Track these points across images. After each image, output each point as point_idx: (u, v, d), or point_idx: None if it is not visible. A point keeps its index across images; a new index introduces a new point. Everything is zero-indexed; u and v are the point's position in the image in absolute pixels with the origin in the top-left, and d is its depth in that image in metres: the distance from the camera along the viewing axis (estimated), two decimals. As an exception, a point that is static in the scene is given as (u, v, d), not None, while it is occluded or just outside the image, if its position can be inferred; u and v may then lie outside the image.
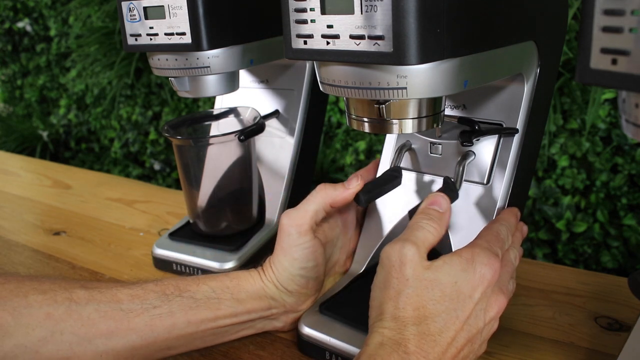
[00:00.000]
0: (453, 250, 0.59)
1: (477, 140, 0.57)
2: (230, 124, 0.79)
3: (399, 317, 0.44)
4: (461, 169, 0.56)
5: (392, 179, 0.59)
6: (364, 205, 0.58)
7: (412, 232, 0.47)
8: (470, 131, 0.55)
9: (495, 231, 0.51)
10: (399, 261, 0.45)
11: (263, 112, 0.77)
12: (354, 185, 0.57)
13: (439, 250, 0.62)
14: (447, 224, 0.50)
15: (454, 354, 0.45)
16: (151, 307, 0.53)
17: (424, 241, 0.47)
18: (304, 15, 0.44)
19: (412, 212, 0.52)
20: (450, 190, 0.54)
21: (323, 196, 0.58)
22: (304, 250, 0.57)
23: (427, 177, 0.61)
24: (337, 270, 0.67)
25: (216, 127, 0.80)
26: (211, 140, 0.75)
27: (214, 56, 0.62)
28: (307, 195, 0.60)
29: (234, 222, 0.78)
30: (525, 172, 0.58)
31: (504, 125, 0.56)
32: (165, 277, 0.57)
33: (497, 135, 0.57)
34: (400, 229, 0.62)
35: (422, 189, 0.62)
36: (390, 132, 0.48)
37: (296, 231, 0.57)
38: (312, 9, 0.43)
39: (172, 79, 0.66)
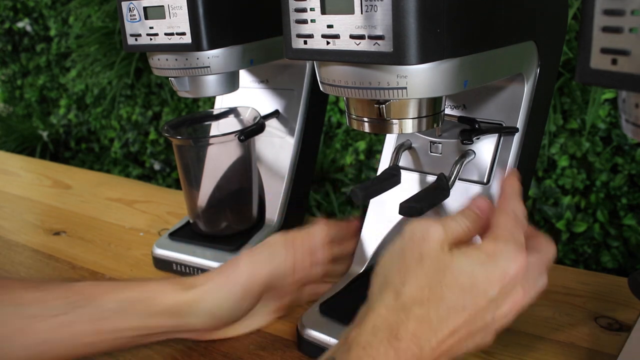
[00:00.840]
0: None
1: (477, 138, 0.57)
2: (230, 124, 0.79)
3: (401, 293, 0.41)
4: (457, 167, 0.56)
5: (390, 177, 0.59)
6: (360, 203, 0.58)
7: (445, 219, 0.45)
8: (470, 130, 0.55)
9: (513, 213, 0.46)
10: (421, 237, 0.43)
11: (263, 112, 0.77)
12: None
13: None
14: (482, 229, 0.47)
15: (451, 345, 0.41)
16: (55, 314, 0.51)
17: (452, 231, 0.44)
18: (304, 15, 0.44)
19: (402, 206, 0.51)
20: (442, 188, 0.53)
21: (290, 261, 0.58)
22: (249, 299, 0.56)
23: (427, 177, 0.61)
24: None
25: (216, 127, 0.80)
26: (211, 140, 0.75)
27: (214, 56, 0.62)
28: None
29: (234, 222, 0.78)
30: (525, 172, 0.58)
31: (504, 126, 0.56)
32: (78, 281, 0.56)
33: (497, 135, 0.57)
34: (400, 229, 0.62)
35: (422, 188, 0.62)
36: (390, 132, 0.48)
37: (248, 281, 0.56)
38: (312, 9, 0.43)
39: (172, 79, 0.66)
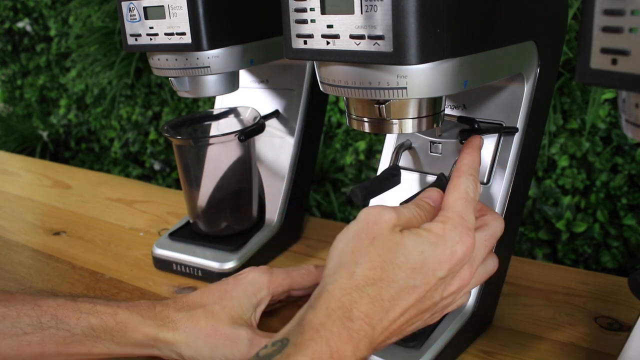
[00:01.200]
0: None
1: None
2: (230, 124, 0.79)
3: (354, 273, 0.41)
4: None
5: (390, 177, 0.59)
6: (360, 202, 0.58)
7: (397, 207, 0.46)
8: (469, 129, 0.55)
9: (464, 192, 0.46)
10: (374, 220, 0.44)
11: (263, 112, 0.77)
12: None
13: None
14: (434, 216, 0.47)
15: (401, 324, 0.42)
16: (22, 332, 0.51)
17: (405, 216, 0.45)
18: (304, 15, 0.44)
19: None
20: (442, 187, 0.53)
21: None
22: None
23: (427, 177, 0.61)
24: None
25: (216, 127, 0.80)
26: (211, 140, 0.75)
27: (214, 56, 0.62)
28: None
29: (234, 222, 0.78)
30: (525, 172, 0.58)
31: (504, 126, 0.56)
32: (47, 299, 0.54)
33: (497, 135, 0.57)
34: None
35: (421, 188, 0.62)
36: (390, 132, 0.48)
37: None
38: (312, 9, 0.43)
39: (172, 79, 0.66)
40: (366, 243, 0.43)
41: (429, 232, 0.43)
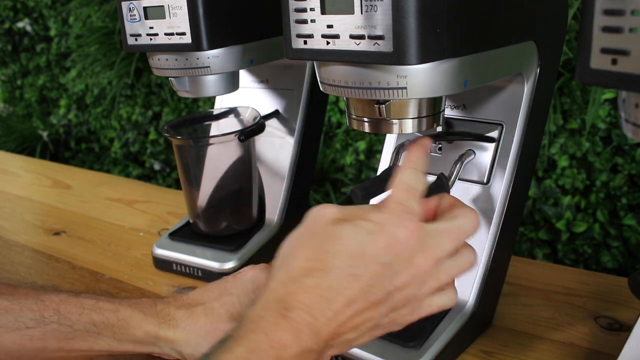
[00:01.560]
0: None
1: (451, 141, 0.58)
2: (230, 124, 0.79)
3: (291, 266, 0.41)
4: (457, 167, 0.56)
5: (390, 177, 0.59)
6: (360, 203, 0.58)
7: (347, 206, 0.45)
8: (446, 132, 0.56)
9: (404, 184, 0.45)
10: (316, 217, 0.43)
11: (263, 112, 0.77)
12: None
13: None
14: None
15: (352, 315, 0.40)
16: (24, 326, 0.51)
17: (349, 212, 0.43)
18: (304, 15, 0.44)
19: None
20: (442, 187, 0.53)
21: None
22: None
23: (427, 177, 0.61)
24: None
25: (216, 127, 0.80)
26: (211, 140, 0.75)
27: (214, 56, 0.62)
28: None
29: (234, 222, 0.78)
30: (525, 172, 0.58)
31: (504, 126, 0.56)
32: (51, 293, 0.54)
33: (497, 134, 0.57)
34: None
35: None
36: (390, 132, 0.48)
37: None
38: (312, 9, 0.43)
39: (172, 79, 0.66)
40: (304, 238, 0.43)
41: (367, 222, 0.42)
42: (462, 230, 0.45)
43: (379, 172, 0.64)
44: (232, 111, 0.80)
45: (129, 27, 0.63)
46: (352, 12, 0.41)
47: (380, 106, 0.46)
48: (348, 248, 0.41)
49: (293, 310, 0.39)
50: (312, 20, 0.43)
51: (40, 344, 0.51)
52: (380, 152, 0.66)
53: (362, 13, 0.41)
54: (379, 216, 0.42)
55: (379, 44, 0.41)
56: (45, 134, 2.56)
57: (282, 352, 0.38)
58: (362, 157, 1.66)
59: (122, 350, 0.54)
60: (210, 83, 0.66)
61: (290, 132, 0.78)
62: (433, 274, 0.43)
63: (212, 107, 0.84)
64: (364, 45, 0.41)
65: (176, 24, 0.60)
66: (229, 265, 0.73)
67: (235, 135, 0.72)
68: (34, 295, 0.53)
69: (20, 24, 2.68)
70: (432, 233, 0.43)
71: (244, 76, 0.80)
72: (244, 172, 0.77)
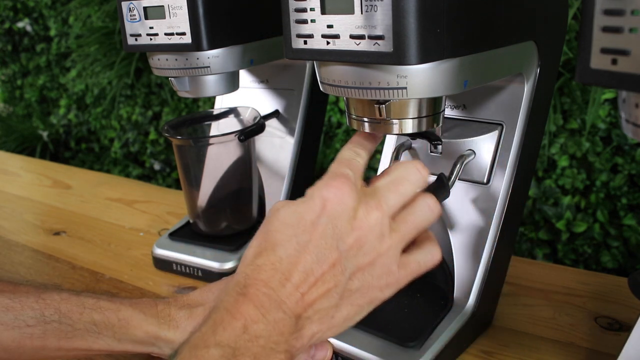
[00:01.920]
0: (454, 251, 0.59)
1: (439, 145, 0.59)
2: (230, 124, 0.79)
3: (245, 256, 0.42)
4: (457, 167, 0.56)
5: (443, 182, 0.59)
6: None
7: None
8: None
9: (339, 158, 0.45)
10: (269, 213, 0.44)
11: (263, 112, 0.77)
12: None
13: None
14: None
15: (312, 283, 0.40)
16: (24, 324, 0.51)
17: (295, 203, 0.43)
18: (304, 15, 0.44)
19: None
20: (442, 187, 0.53)
21: None
22: None
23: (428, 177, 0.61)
24: None
25: (216, 127, 0.80)
26: (211, 140, 0.75)
27: (214, 56, 0.62)
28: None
29: (234, 222, 0.78)
30: (525, 172, 0.58)
31: (504, 126, 0.56)
32: (52, 292, 0.54)
33: (497, 135, 0.57)
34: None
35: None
36: (390, 132, 0.48)
37: None
38: (312, 9, 0.43)
39: (172, 79, 0.66)
40: (257, 232, 0.44)
41: (300, 197, 0.43)
42: (403, 179, 0.45)
43: (379, 172, 0.64)
44: (232, 111, 0.80)
45: (129, 27, 0.63)
46: (352, 12, 0.41)
47: (380, 106, 0.46)
48: (285, 220, 0.42)
49: (250, 287, 0.40)
50: (312, 20, 0.43)
51: (40, 342, 0.51)
52: (380, 152, 0.66)
53: (362, 13, 0.41)
54: (311, 188, 0.43)
55: (379, 44, 0.41)
56: (45, 134, 2.57)
57: (249, 322, 0.38)
58: (362, 157, 1.66)
59: (122, 350, 0.54)
60: (210, 83, 0.66)
61: (290, 132, 0.78)
62: (387, 227, 0.42)
63: (212, 107, 0.84)
64: (364, 45, 0.41)
65: (176, 24, 0.60)
66: (229, 265, 0.73)
67: (235, 135, 0.72)
68: (35, 293, 0.53)
69: (20, 24, 2.68)
70: (370, 190, 0.44)
71: (244, 76, 0.80)
72: (244, 172, 0.77)
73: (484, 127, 0.57)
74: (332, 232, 0.41)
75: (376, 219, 0.42)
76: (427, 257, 0.45)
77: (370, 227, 0.42)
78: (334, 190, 0.42)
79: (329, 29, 0.43)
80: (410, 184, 0.45)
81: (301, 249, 0.41)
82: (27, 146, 2.53)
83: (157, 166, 2.23)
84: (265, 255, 0.41)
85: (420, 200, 0.45)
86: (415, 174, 0.45)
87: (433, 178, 0.61)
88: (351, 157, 0.46)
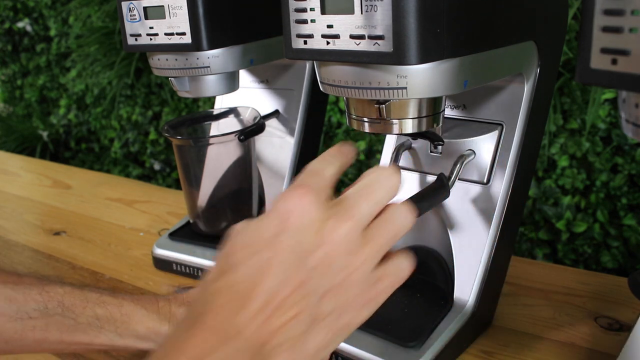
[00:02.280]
0: (454, 251, 0.59)
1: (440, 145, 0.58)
2: (230, 124, 0.79)
3: (206, 281, 0.38)
4: (457, 167, 0.56)
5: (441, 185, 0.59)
6: None
7: None
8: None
9: (306, 168, 0.42)
10: (229, 235, 0.40)
11: (263, 112, 0.77)
12: None
13: (438, 250, 0.62)
14: None
15: (276, 306, 0.35)
16: (27, 316, 0.50)
17: (255, 221, 0.39)
18: (304, 15, 0.44)
19: None
20: (442, 187, 0.53)
21: None
22: None
23: (427, 177, 0.61)
24: None
25: (216, 127, 0.80)
26: (211, 140, 0.75)
27: (214, 56, 0.62)
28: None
29: (234, 222, 0.78)
30: (525, 172, 0.58)
31: (504, 126, 0.57)
32: (55, 287, 0.53)
33: (497, 135, 0.57)
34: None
35: (422, 188, 0.62)
36: (390, 132, 0.48)
37: None
38: (312, 9, 0.43)
39: (172, 79, 0.66)
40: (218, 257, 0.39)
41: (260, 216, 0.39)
42: (375, 185, 0.41)
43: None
44: (232, 111, 0.80)
45: (129, 27, 0.63)
46: (352, 12, 0.41)
47: (380, 106, 0.46)
48: (245, 239, 0.38)
49: (204, 315, 0.35)
50: (312, 20, 0.43)
51: (42, 335, 0.51)
52: (380, 152, 0.66)
53: (362, 13, 0.41)
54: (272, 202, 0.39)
55: (379, 44, 0.41)
56: (45, 134, 2.57)
57: (198, 358, 0.34)
58: (362, 157, 1.66)
59: (123, 346, 0.54)
60: (210, 83, 0.66)
61: (290, 132, 0.78)
62: (360, 239, 0.38)
63: (212, 107, 0.84)
64: (364, 45, 0.41)
65: (176, 24, 0.60)
66: (229, 265, 0.73)
67: (235, 135, 0.72)
68: (38, 285, 0.53)
69: (20, 24, 2.68)
70: (340, 200, 0.39)
71: (244, 76, 0.80)
72: (244, 172, 0.77)
73: (484, 127, 0.57)
74: (297, 248, 0.36)
75: (347, 231, 0.38)
76: (403, 266, 0.41)
77: (341, 240, 0.37)
78: (295, 201, 0.37)
79: (329, 29, 0.43)
80: (383, 190, 0.40)
81: (263, 268, 0.36)
82: (27, 146, 2.53)
83: (157, 166, 2.23)
84: (224, 279, 0.36)
85: (395, 206, 0.41)
86: (388, 179, 0.41)
87: (433, 178, 0.61)
88: (320, 167, 0.42)
